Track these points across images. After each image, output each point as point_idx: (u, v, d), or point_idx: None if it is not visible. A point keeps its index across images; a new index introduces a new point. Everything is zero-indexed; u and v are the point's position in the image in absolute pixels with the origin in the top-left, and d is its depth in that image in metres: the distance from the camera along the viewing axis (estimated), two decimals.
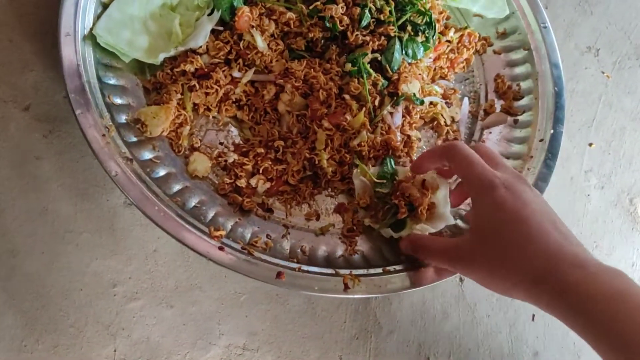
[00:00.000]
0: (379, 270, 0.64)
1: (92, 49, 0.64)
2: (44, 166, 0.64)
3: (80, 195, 0.64)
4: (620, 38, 0.95)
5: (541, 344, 0.72)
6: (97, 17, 0.66)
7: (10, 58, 0.67)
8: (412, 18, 0.74)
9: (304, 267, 0.61)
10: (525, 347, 0.72)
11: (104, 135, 0.60)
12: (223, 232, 0.60)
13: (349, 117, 0.68)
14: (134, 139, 0.63)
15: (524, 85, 0.80)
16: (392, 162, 0.69)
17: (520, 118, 0.79)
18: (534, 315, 0.73)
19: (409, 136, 0.73)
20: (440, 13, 0.79)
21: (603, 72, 0.91)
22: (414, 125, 0.74)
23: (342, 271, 0.62)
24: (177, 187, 0.63)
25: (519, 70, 0.82)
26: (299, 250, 0.64)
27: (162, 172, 0.63)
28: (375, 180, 0.67)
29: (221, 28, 0.69)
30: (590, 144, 0.85)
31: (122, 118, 0.64)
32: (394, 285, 0.62)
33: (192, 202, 0.63)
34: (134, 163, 0.61)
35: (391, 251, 0.66)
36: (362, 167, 0.68)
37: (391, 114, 0.72)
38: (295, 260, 0.62)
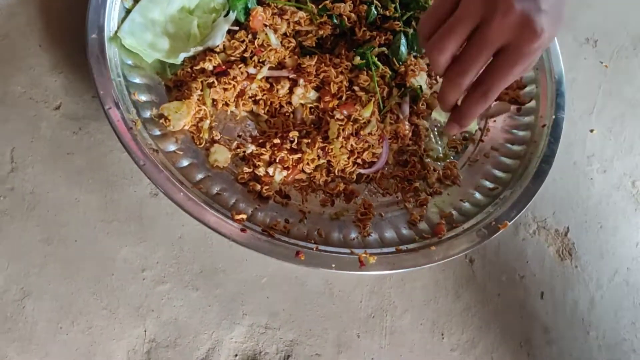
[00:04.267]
0: (392, 249, 0.67)
1: (118, 50, 0.69)
2: (75, 161, 0.69)
3: (110, 186, 0.69)
4: (617, 29, 0.99)
5: (551, 320, 0.75)
6: (121, 21, 0.70)
7: (40, 61, 0.71)
8: (416, 14, 0.78)
9: (321, 247, 0.65)
10: (536, 324, 0.75)
11: (131, 128, 0.64)
12: (245, 216, 0.64)
13: (359, 108, 0.72)
14: (158, 132, 0.68)
15: (526, 75, 0.84)
16: None
17: (524, 106, 0.82)
18: (542, 293, 0.76)
19: (417, 125, 0.77)
20: None
21: (601, 62, 0.95)
22: (421, 115, 0.78)
23: (357, 250, 0.65)
24: (200, 176, 0.67)
25: None
26: (315, 233, 0.68)
27: (185, 163, 0.67)
28: None
29: (237, 28, 0.74)
30: (592, 130, 0.89)
31: (147, 113, 0.68)
32: (407, 262, 0.66)
33: (215, 189, 0.67)
34: (160, 154, 0.65)
35: (403, 232, 0.70)
36: None
37: (399, 104, 0.76)
38: (312, 241, 0.66)
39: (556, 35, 0.57)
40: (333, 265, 0.63)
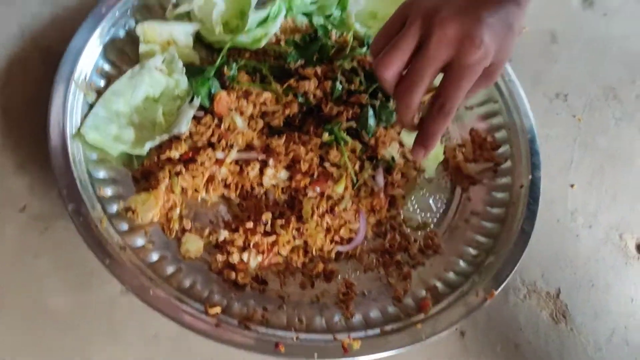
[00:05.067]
0: (377, 331, 0.64)
1: (81, 146, 0.68)
2: (41, 263, 0.66)
3: (78, 287, 0.66)
4: (586, 82, 0.99)
5: None
6: (84, 117, 0.70)
7: (3, 161, 0.70)
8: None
9: (302, 336, 0.62)
10: None
11: (96, 226, 0.62)
12: (219, 309, 0.61)
13: (331, 184, 0.71)
14: (126, 227, 0.66)
15: (499, 135, 0.84)
16: None
17: (500, 167, 0.81)
18: None
19: (393, 196, 0.76)
20: None
21: (574, 116, 0.95)
22: (396, 185, 0.76)
23: (339, 335, 0.62)
24: (171, 270, 0.65)
25: (492, 122, 0.85)
26: (296, 320, 0.65)
27: (155, 257, 0.65)
28: None
29: (202, 113, 0.73)
30: (572, 185, 0.87)
31: (113, 208, 0.66)
32: (393, 344, 0.63)
33: (187, 282, 0.64)
34: (127, 250, 0.63)
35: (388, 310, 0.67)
36: None
37: (373, 177, 0.75)
38: (293, 329, 0.63)
39: (509, 49, 0.57)
40: (315, 354, 0.60)
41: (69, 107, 0.69)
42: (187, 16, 0.81)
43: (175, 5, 0.80)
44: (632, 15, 1.10)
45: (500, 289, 0.69)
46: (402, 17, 0.58)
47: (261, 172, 0.72)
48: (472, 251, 0.74)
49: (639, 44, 1.07)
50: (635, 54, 1.05)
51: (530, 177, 0.78)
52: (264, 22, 0.80)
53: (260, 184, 0.72)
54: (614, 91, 0.99)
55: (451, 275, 0.72)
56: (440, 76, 0.58)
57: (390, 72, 0.57)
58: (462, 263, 0.73)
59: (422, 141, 0.61)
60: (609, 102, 0.98)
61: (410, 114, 0.60)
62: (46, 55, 0.77)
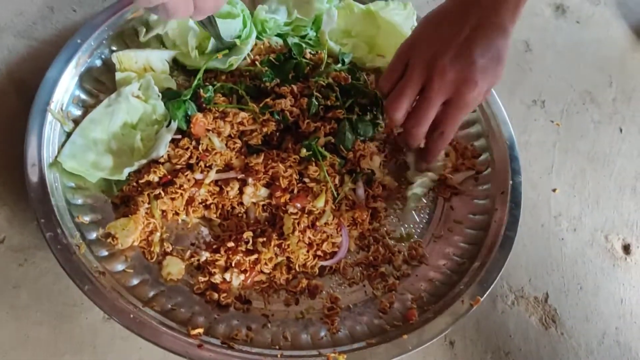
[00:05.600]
0: (363, 344, 0.63)
1: (59, 175, 0.68)
2: (21, 294, 0.66)
3: (60, 317, 0.65)
4: (563, 87, 1.00)
5: None
6: (62, 145, 0.70)
7: None
8: (358, 100, 0.79)
9: (286, 353, 0.61)
10: None
11: (74, 253, 0.62)
12: (201, 330, 0.61)
13: (311, 199, 0.71)
14: (106, 253, 0.65)
15: (478, 144, 0.84)
16: None
17: (481, 175, 0.81)
18: None
19: (375, 208, 0.76)
20: None
21: (552, 121, 0.95)
22: (377, 197, 0.76)
23: (325, 351, 0.62)
24: (152, 293, 0.64)
25: (470, 131, 0.85)
26: (281, 337, 0.64)
27: (135, 281, 0.65)
28: None
29: (180, 136, 0.73)
30: (554, 190, 0.88)
31: (93, 235, 0.66)
32: (379, 356, 0.62)
33: (169, 304, 0.64)
34: (107, 275, 0.62)
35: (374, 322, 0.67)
36: None
37: (354, 190, 0.75)
38: (277, 347, 0.62)
39: (499, 76, 0.67)
40: None
41: (46, 137, 0.69)
42: (160, 40, 0.82)
43: (148, 29, 0.81)
44: (604, 21, 1.12)
45: (486, 295, 0.68)
46: (403, 61, 0.69)
47: (241, 191, 0.72)
48: (456, 259, 0.74)
49: (612, 48, 1.08)
50: (610, 58, 1.06)
51: (511, 182, 0.78)
52: (234, 46, 0.81)
53: (241, 203, 0.72)
54: (591, 95, 1.00)
55: (436, 284, 0.71)
56: None
57: (399, 114, 0.69)
58: (447, 272, 0.73)
59: (425, 157, 0.76)
60: (587, 106, 0.99)
61: (417, 143, 0.72)
62: (21, 87, 0.77)
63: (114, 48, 0.80)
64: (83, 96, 0.76)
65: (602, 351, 0.74)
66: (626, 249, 0.84)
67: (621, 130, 0.97)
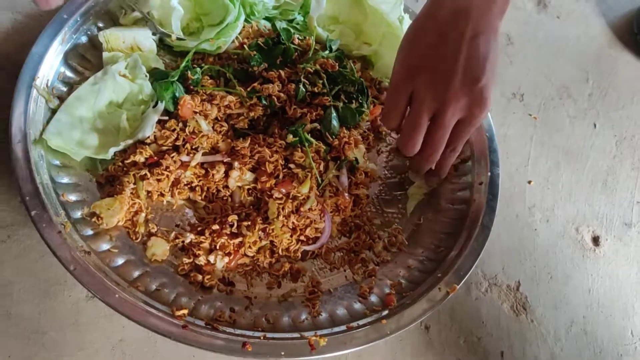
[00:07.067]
0: (343, 327, 0.65)
1: (44, 152, 0.67)
2: (4, 271, 0.66)
3: (42, 295, 0.65)
4: (541, 82, 1.03)
5: None
6: (47, 122, 0.69)
7: None
8: (344, 87, 0.80)
9: (269, 335, 0.63)
10: None
11: (59, 232, 0.62)
12: (186, 311, 0.62)
13: (296, 185, 0.72)
14: (91, 232, 0.66)
15: None
16: None
17: (460, 167, 0.83)
18: (502, 353, 0.75)
19: (357, 195, 0.77)
20: (372, 80, 0.86)
21: (530, 115, 0.98)
22: (360, 185, 0.78)
23: (306, 333, 0.63)
24: (137, 273, 0.65)
25: None
26: (263, 319, 0.66)
27: (120, 261, 0.65)
28: None
29: (166, 118, 0.73)
30: (530, 182, 0.90)
31: (78, 214, 0.66)
32: (359, 340, 0.64)
33: (153, 285, 0.64)
34: (92, 255, 0.63)
35: (354, 307, 0.69)
36: None
37: (337, 177, 0.76)
38: (260, 329, 0.64)
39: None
40: (282, 353, 0.61)
41: (31, 114, 0.68)
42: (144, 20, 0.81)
43: (131, 10, 0.80)
44: (583, 18, 1.14)
45: (462, 283, 0.70)
46: (405, 93, 0.67)
47: (226, 174, 0.73)
48: (434, 247, 0.76)
49: (591, 45, 1.11)
50: (588, 54, 1.09)
51: (489, 174, 0.80)
52: (224, 28, 0.80)
53: (226, 186, 0.73)
54: (568, 90, 1.03)
55: (415, 271, 0.73)
56: None
57: (415, 149, 0.70)
58: (425, 259, 0.75)
59: (436, 172, 0.78)
60: (564, 101, 1.01)
61: (432, 165, 0.74)
62: (5, 62, 0.76)
63: (100, 24, 0.79)
64: (68, 73, 0.75)
65: (569, 338, 0.78)
66: (595, 240, 0.88)
67: (595, 126, 1.00)
